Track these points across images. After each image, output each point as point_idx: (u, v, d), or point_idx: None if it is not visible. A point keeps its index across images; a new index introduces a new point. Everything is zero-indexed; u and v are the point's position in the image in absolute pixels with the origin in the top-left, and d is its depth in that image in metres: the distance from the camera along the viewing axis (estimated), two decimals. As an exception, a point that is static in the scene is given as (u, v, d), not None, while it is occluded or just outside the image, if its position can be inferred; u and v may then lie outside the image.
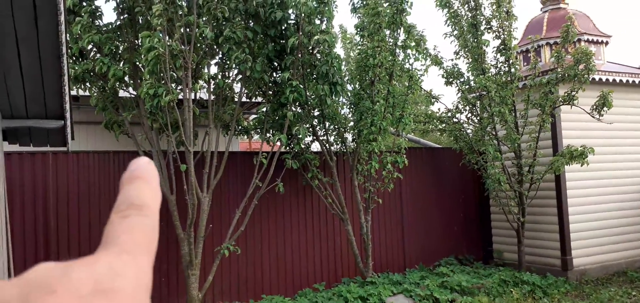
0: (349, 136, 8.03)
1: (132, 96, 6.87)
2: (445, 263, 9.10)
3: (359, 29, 7.90)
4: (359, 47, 7.95)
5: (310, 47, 6.92)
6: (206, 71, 6.81)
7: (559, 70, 8.18)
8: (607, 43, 9.75)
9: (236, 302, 7.39)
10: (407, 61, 7.65)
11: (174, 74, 6.26)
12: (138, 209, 0.32)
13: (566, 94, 8.16)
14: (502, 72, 8.55)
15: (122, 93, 7.02)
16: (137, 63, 6.62)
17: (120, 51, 6.62)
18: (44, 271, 0.28)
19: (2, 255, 4.72)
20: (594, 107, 8.19)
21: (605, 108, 8.07)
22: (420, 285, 7.71)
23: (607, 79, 8.88)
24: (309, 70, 7.02)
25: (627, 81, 9.17)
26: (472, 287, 7.65)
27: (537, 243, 8.97)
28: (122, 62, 6.61)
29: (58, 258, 6.50)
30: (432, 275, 8.33)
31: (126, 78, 6.66)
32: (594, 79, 8.52)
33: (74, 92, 6.87)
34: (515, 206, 8.71)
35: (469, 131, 9.15)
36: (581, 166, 8.03)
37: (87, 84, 6.64)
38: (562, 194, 8.56)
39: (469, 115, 9.13)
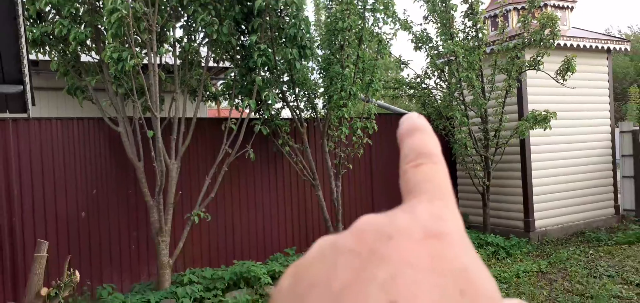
0: (319, 102, 8.01)
1: (95, 60, 6.66)
2: (413, 227, 9.30)
3: (328, -8, 7.82)
4: (329, 10, 7.87)
5: (279, 10, 6.81)
6: (171, 34, 6.63)
7: (525, 35, 8.31)
8: (572, 8, 9.92)
9: (207, 268, 7.40)
10: (376, 25, 7.62)
11: (138, 37, 6.09)
12: (428, 156, 0.33)
13: (532, 59, 8.31)
14: (469, 38, 8.63)
15: (84, 58, 6.80)
16: (99, 26, 6.40)
17: (80, 13, 6.37)
18: (372, 221, 0.29)
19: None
20: (558, 72, 8.37)
21: (569, 73, 8.26)
22: (389, 247, 7.87)
23: (571, 45, 9.08)
24: (277, 33, 6.92)
25: (591, 46, 9.39)
26: (439, 249, 7.86)
27: (501, 206, 9.25)
28: (83, 25, 6.37)
29: (22, 226, 6.36)
30: (401, 238, 8.50)
31: (88, 42, 6.44)
32: (559, 44, 8.69)
33: (33, 57, 6.61)
34: (481, 171, 8.92)
35: (437, 96, 9.25)
36: (544, 130, 8.25)
37: (47, 48, 6.39)
38: (526, 158, 8.81)
39: (438, 81, 9.23)
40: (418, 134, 0.34)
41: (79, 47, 6.27)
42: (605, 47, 9.67)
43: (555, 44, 8.33)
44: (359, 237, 0.28)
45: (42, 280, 4.56)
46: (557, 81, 8.48)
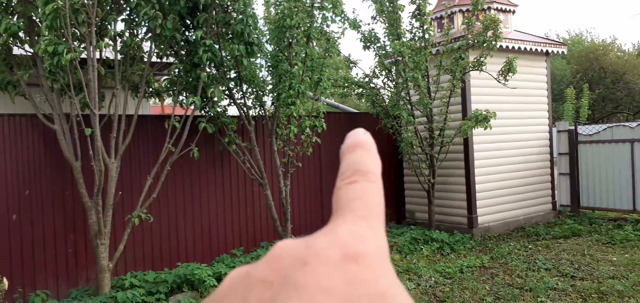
0: (267, 100, 7.92)
1: (29, 53, 6.28)
2: (362, 225, 9.38)
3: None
4: (277, 7, 7.79)
5: (225, 5, 6.66)
6: (112, 27, 6.35)
7: (469, 36, 8.54)
8: (514, 12, 10.29)
9: (150, 271, 7.15)
10: (324, 23, 7.61)
11: (76, 30, 5.79)
12: (363, 174, 0.33)
13: (475, 60, 8.55)
14: (416, 38, 8.77)
15: (16, 50, 6.40)
16: (34, 17, 6.04)
17: (13, 3, 5.99)
18: (288, 246, 0.29)
19: None
20: (500, 72, 8.65)
21: (510, 74, 8.56)
22: (338, 246, 7.88)
23: (513, 47, 9.41)
24: (223, 29, 6.77)
25: (531, 48, 9.78)
26: (386, 246, 7.96)
27: (446, 203, 9.47)
28: (15, 16, 5.99)
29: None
30: (349, 236, 8.55)
31: (21, 34, 6.06)
32: (501, 46, 8.99)
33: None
34: (426, 169, 9.10)
35: (385, 96, 9.36)
36: (485, 130, 8.50)
37: (-26, 39, 5.97)
38: (469, 156, 9.06)
39: (385, 80, 9.33)
40: (359, 151, 0.34)
41: (11, 39, 5.90)
42: (544, 50, 10.10)
43: (497, 46, 8.61)
44: (272, 266, 0.28)
45: (-34, 288, 4.26)
46: (499, 82, 8.77)
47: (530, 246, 8.38)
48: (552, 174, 10.49)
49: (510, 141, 9.67)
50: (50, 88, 6.09)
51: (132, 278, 6.40)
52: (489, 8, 9.69)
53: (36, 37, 6.06)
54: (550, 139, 10.41)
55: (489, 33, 8.48)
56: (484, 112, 8.35)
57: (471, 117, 8.44)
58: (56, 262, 6.62)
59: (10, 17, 5.82)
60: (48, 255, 6.56)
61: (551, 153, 10.45)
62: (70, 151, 6.20)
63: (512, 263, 7.41)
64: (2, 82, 6.22)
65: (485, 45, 8.43)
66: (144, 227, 7.12)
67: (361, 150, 0.34)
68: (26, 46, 6.25)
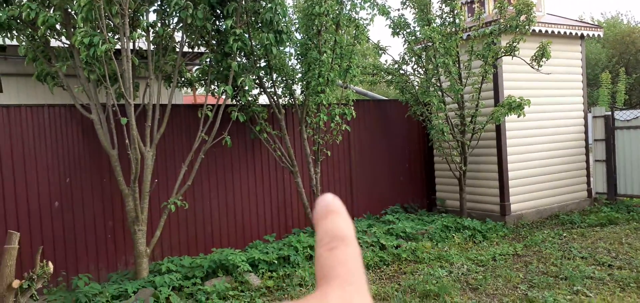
0: (297, 89, 7.95)
1: (66, 45, 6.45)
2: (391, 212, 9.36)
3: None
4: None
5: (254, -7, 6.70)
6: (145, 18, 6.47)
7: (502, 21, 8.37)
8: (546, -4, 10.02)
9: (185, 256, 7.31)
10: (353, 9, 7.57)
11: (110, 22, 5.92)
12: (341, 239, 0.35)
13: (508, 45, 8.38)
14: (447, 23, 8.65)
15: (54, 42, 6.58)
16: (69, 9, 6.20)
17: (49, -4, 6.16)
18: None
19: None
20: (534, 58, 8.46)
21: (544, 59, 8.36)
22: (368, 232, 7.91)
23: (546, 31, 9.18)
24: (253, 18, 6.81)
25: (566, 32, 9.52)
26: (417, 233, 7.93)
27: (477, 191, 9.36)
28: (52, 9, 6.16)
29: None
30: (379, 223, 8.55)
31: (58, 26, 6.23)
32: (534, 30, 8.78)
33: (0, 41, 6.39)
34: (457, 156, 9.00)
35: (415, 82, 9.27)
36: (518, 116, 8.35)
37: (14, 32, 6.17)
38: (501, 143, 8.92)
39: (415, 66, 9.24)
40: (332, 217, 0.36)
41: (48, 31, 6.07)
42: (579, 34, 9.82)
43: (530, 30, 8.41)
44: None
45: (13, 272, 4.43)
46: (532, 67, 8.58)
47: (564, 235, 8.22)
48: (587, 161, 10.24)
49: (544, 128, 9.47)
50: (86, 79, 6.26)
51: (169, 263, 6.56)
52: (522, -9, 9.45)
53: (72, 29, 6.23)
54: (586, 126, 10.15)
55: (522, 17, 8.30)
56: (517, 99, 8.20)
57: (504, 104, 8.29)
58: (96, 247, 6.83)
59: (47, 9, 5.99)
60: (89, 240, 6.78)
61: (586, 140, 10.18)
62: (107, 140, 6.36)
63: (546, 251, 7.29)
64: (42, 74, 6.42)
65: (518, 29, 8.25)
66: (179, 214, 7.28)
67: (334, 215, 0.36)
68: (63, 38, 6.43)
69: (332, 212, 0.36)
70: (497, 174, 9.03)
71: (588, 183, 10.26)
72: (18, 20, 6.04)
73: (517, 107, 8.16)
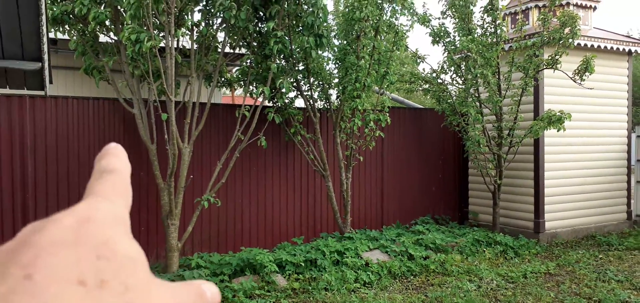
0: (333, 93, 8.00)
1: (113, 41, 6.70)
2: (421, 222, 9.29)
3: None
4: (347, 0, 7.84)
5: (297, -3, 6.79)
6: (189, 17, 6.65)
7: (545, 33, 8.21)
8: (595, 8, 9.76)
9: (215, 253, 7.46)
10: (393, 16, 7.58)
11: (157, 19, 6.11)
12: (109, 172, 0.37)
13: (550, 58, 8.21)
14: (488, 34, 8.54)
15: (102, 38, 6.84)
16: (119, 7, 6.43)
17: (100, -7, 6.41)
18: (35, 223, 0.32)
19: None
20: (577, 72, 8.26)
21: (587, 73, 8.15)
22: (396, 241, 7.88)
23: (591, 45, 8.94)
24: (294, 21, 6.90)
25: (611, 47, 9.25)
26: (446, 245, 7.85)
27: (511, 206, 9.19)
28: (103, 5, 6.40)
29: (35, 204, 6.45)
30: (408, 233, 8.51)
31: (107, 22, 6.48)
32: (578, 44, 8.57)
33: (52, 35, 6.67)
34: (492, 169, 8.86)
35: (452, 92, 9.19)
36: (557, 131, 8.17)
37: (66, 26, 6.45)
38: (539, 158, 8.73)
39: (454, 76, 9.16)
40: (107, 157, 0.38)
41: (98, 27, 6.31)
42: (626, 50, 9.52)
43: (575, 44, 8.22)
44: (17, 237, 0.31)
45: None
46: (575, 81, 8.38)
47: (600, 256, 7.99)
48: (628, 182, 9.90)
49: (584, 145, 9.22)
50: (131, 74, 6.48)
51: (198, 259, 6.71)
52: (568, 3, 9.25)
53: (120, 26, 6.46)
54: (629, 145, 9.82)
55: (566, 30, 8.11)
56: (557, 113, 8.02)
57: (544, 117, 8.12)
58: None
59: (98, 6, 6.23)
60: (124, 230, 6.99)
61: (629, 160, 9.85)
62: (146, 134, 6.57)
63: (580, 272, 7.11)
64: (89, 68, 6.67)
65: (561, 42, 8.07)
66: (211, 211, 7.44)
67: (110, 156, 0.38)
68: (111, 34, 6.67)
69: (108, 154, 0.39)
70: (532, 190, 8.84)
71: (628, 204, 9.92)
72: (70, 16, 6.30)
73: (557, 121, 7.99)
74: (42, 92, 6.15)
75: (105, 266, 0.29)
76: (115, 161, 0.38)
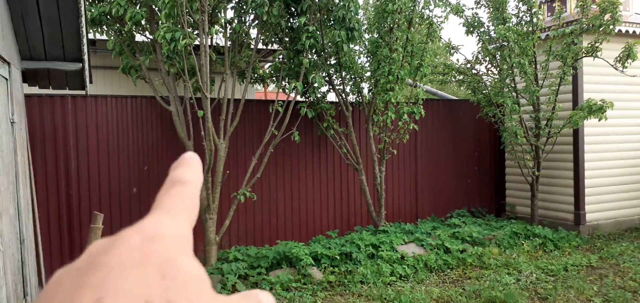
0: (365, 87, 7.96)
1: (149, 40, 6.84)
2: (457, 215, 9.16)
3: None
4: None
5: (328, -9, 6.78)
6: (223, 15, 6.73)
7: (584, 20, 7.96)
8: (635, -6, 9.40)
9: (251, 246, 7.55)
10: (427, 7, 7.48)
11: (191, 17, 6.21)
12: (180, 183, 0.37)
13: (589, 46, 7.96)
14: (523, 23, 8.33)
15: (138, 37, 7.00)
16: (154, 6, 6.56)
17: (137, -6, 6.55)
18: (101, 240, 0.33)
19: (26, 194, 4.86)
20: (618, 59, 7.99)
21: (629, 60, 7.87)
22: (432, 234, 7.80)
23: (634, 31, 8.62)
24: (325, 15, 6.90)
25: (654, 33, 8.88)
26: (483, 238, 7.72)
27: (550, 198, 8.96)
28: (138, 5, 6.55)
29: (79, 197, 6.67)
30: (444, 226, 8.41)
31: (143, 22, 6.62)
32: (620, 30, 8.28)
33: (90, 36, 6.87)
34: (530, 160, 8.66)
35: (487, 82, 9.01)
36: (599, 121, 7.92)
37: (104, 27, 6.62)
38: (579, 148, 8.48)
39: (489, 66, 8.98)
40: (181, 168, 0.38)
41: (134, 26, 6.46)
42: (670, 35, 9.12)
43: (615, 30, 7.94)
44: (85, 255, 0.31)
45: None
46: (617, 69, 8.09)
47: (646, 249, 7.71)
48: (675, 172, 9.51)
49: (626, 134, 8.90)
50: (167, 72, 6.61)
51: (235, 252, 6.81)
52: (607, -11, 8.93)
53: (156, 25, 6.59)
54: (675, 133, 9.42)
55: (607, 16, 7.84)
56: (598, 102, 7.77)
57: (583, 107, 7.88)
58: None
59: (134, 6, 6.37)
60: (162, 225, 7.16)
61: (675, 149, 9.46)
62: (183, 131, 6.69)
63: (624, 265, 6.88)
64: (126, 67, 6.84)
65: (601, 29, 7.81)
66: (247, 205, 7.53)
67: (183, 166, 0.38)
68: (147, 33, 6.82)
69: (182, 164, 0.38)
70: (572, 181, 8.60)
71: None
72: (108, 16, 6.47)
73: (598, 110, 7.74)
74: (83, 92, 6.34)
75: (170, 285, 0.29)
76: (188, 172, 0.38)
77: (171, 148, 7.18)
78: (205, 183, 6.56)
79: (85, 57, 5.13)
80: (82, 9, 4.51)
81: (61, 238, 6.62)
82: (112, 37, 6.75)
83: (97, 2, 6.57)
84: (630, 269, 6.70)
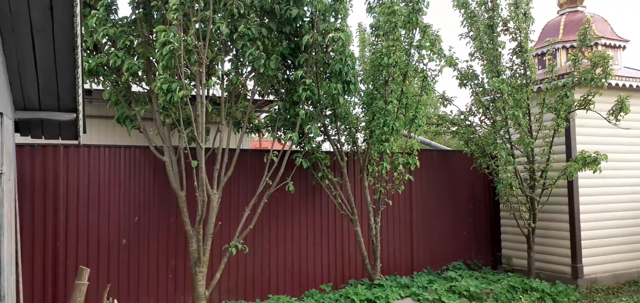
0: (360, 137, 7.96)
1: (145, 90, 6.83)
2: (453, 268, 9.01)
3: (374, 29, 7.84)
4: (374, 46, 7.88)
5: (325, 45, 6.85)
6: (220, 67, 6.76)
7: (575, 74, 8.08)
8: (624, 48, 9.60)
9: (242, 301, 7.34)
10: (421, 61, 7.58)
11: (188, 69, 6.22)
12: None
13: (582, 99, 8.06)
14: (517, 75, 8.45)
15: (135, 88, 6.99)
16: (151, 58, 6.58)
17: (134, 45, 6.57)
18: None
19: (11, 248, 4.70)
20: (611, 112, 8.08)
21: (622, 113, 7.95)
22: (428, 288, 7.64)
23: (624, 85, 8.75)
24: (322, 68, 6.95)
25: (644, 87, 9.02)
26: (481, 293, 7.57)
27: (547, 250, 8.87)
28: (136, 57, 6.57)
29: (65, 251, 6.48)
30: (440, 279, 8.25)
31: (140, 73, 6.62)
32: (611, 84, 8.41)
33: (87, 86, 6.85)
34: (526, 212, 8.61)
35: (481, 134, 9.05)
36: (593, 172, 7.93)
37: (101, 78, 6.61)
38: (574, 200, 8.45)
39: (482, 118, 9.04)
40: None
41: (131, 77, 6.45)
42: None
43: (607, 84, 8.06)
44: None
45: (84, 307, 4.59)
46: (609, 122, 8.17)
47: (646, 304, 7.58)
48: (670, 224, 9.48)
49: (622, 185, 8.90)
50: (162, 122, 6.56)
51: (227, 307, 6.60)
52: (596, 44, 9.13)
53: (153, 76, 6.59)
54: (668, 185, 9.44)
55: (598, 70, 7.98)
56: (592, 154, 7.80)
57: (578, 158, 7.91)
58: (157, 286, 6.99)
59: (131, 57, 6.39)
60: (151, 279, 6.96)
61: (669, 201, 9.46)
62: (176, 181, 6.60)
63: (626, 322, 6.74)
64: (122, 117, 6.79)
65: (593, 83, 7.92)
66: (238, 257, 7.35)
67: None
68: (143, 84, 6.81)
69: None
70: (568, 233, 8.53)
71: (671, 247, 9.47)
72: (105, 67, 6.47)
73: (592, 162, 7.76)
74: (76, 142, 6.26)
75: None
76: None
77: (163, 199, 7.06)
78: (196, 234, 6.42)
79: (80, 107, 5.08)
80: (80, 60, 4.48)
81: (44, 293, 6.38)
82: (108, 88, 6.73)
83: (94, 53, 6.58)
84: (632, 325, 6.56)
